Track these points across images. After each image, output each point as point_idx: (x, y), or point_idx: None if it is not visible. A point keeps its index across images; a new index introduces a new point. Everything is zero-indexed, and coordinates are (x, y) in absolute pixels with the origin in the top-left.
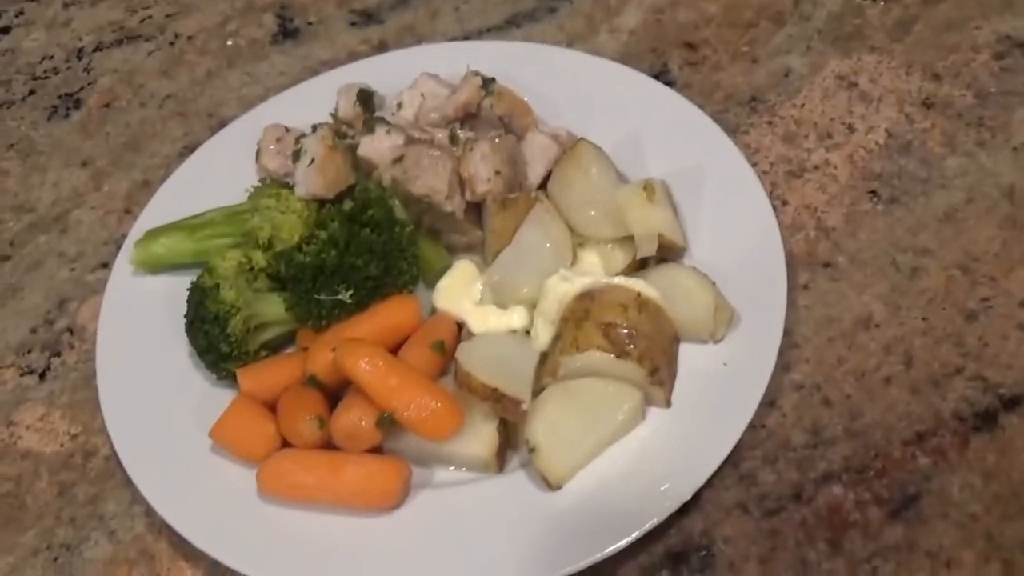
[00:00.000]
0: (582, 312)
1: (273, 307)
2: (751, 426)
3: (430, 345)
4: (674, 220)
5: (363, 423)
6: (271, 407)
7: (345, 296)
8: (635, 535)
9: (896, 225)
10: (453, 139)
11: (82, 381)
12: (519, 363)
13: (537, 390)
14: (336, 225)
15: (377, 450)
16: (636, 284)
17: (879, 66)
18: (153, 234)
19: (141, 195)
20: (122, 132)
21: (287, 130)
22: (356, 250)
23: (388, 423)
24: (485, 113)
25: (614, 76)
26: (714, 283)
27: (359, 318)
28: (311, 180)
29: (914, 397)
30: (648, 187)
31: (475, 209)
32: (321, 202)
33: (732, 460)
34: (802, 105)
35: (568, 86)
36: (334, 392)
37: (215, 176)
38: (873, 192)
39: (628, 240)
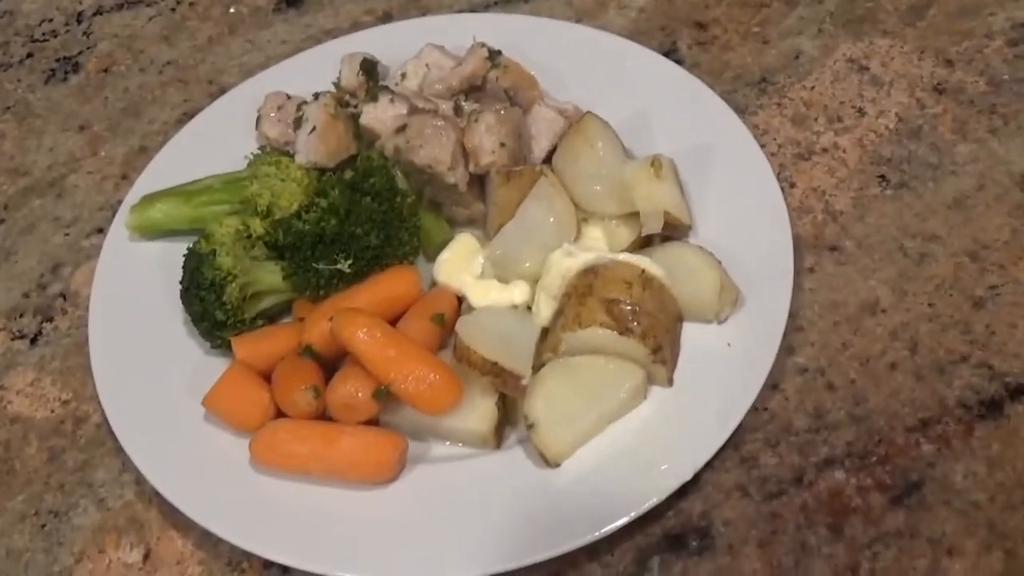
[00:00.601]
0: (585, 288)
1: (270, 275)
2: (753, 408)
3: (430, 317)
4: (680, 198)
5: (359, 394)
6: (266, 377)
7: (344, 266)
8: (633, 515)
9: (905, 210)
10: (457, 110)
11: (74, 347)
12: (520, 338)
13: (537, 366)
14: (336, 193)
15: (373, 423)
16: (641, 261)
17: (891, 50)
18: (150, 199)
19: (138, 161)
20: (120, 97)
21: (288, 97)
22: (356, 219)
23: (385, 395)
24: (490, 85)
25: (623, 52)
26: (720, 262)
27: (357, 288)
28: (312, 148)
29: (919, 384)
30: (656, 163)
31: (478, 182)
32: (321, 171)
33: (733, 442)
34: (812, 87)
35: (575, 61)
36: (330, 363)
37: (214, 143)
38: (882, 176)
39: (633, 217)
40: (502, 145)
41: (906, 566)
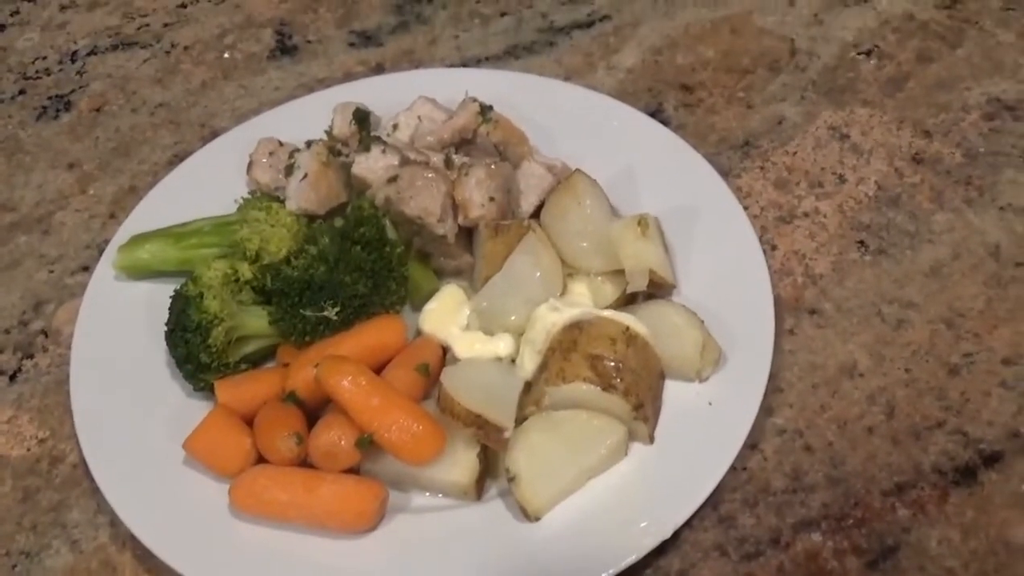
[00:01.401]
0: (570, 343)
1: (256, 320)
2: (732, 468)
3: (414, 367)
4: (665, 257)
5: (342, 442)
6: (248, 421)
7: (331, 313)
8: (612, 572)
9: (883, 276)
10: (448, 163)
11: (54, 385)
12: (504, 390)
13: (520, 419)
14: (327, 241)
15: (354, 471)
16: (625, 318)
17: (871, 119)
18: (138, 240)
19: (127, 200)
20: (111, 137)
21: (281, 144)
22: (345, 267)
23: (368, 444)
24: (481, 140)
25: (611, 111)
26: (702, 321)
27: (343, 336)
28: (303, 195)
29: (895, 448)
30: (642, 222)
31: (466, 234)
32: (311, 218)
33: (712, 501)
34: (794, 153)
35: (565, 118)
36: (313, 410)
37: (204, 185)
38: (861, 243)
39: (618, 274)
40: (491, 199)
41: None
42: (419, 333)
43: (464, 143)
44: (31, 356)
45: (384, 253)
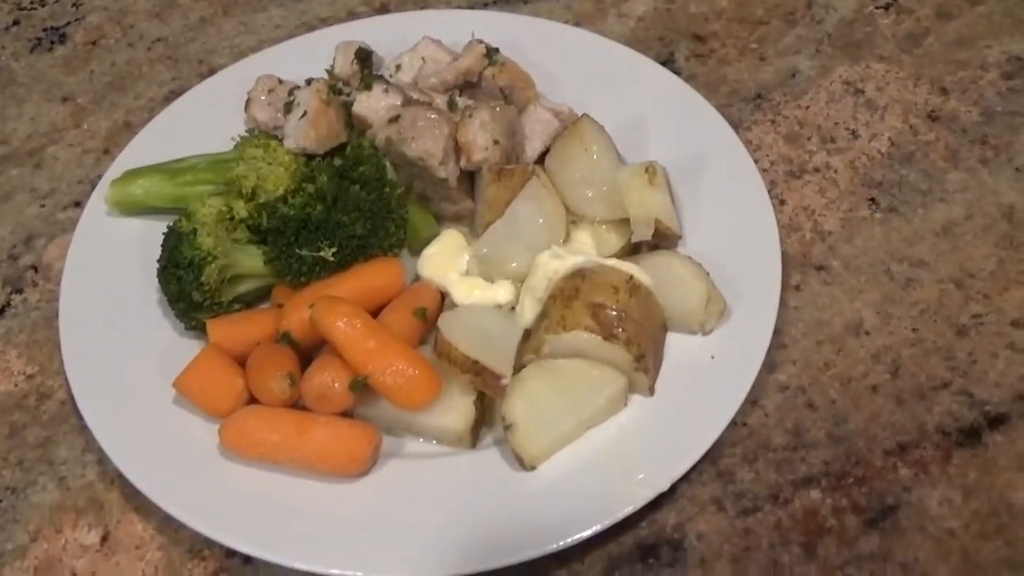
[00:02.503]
0: (572, 291)
1: (251, 259)
2: (732, 423)
3: (412, 311)
4: (671, 207)
5: (336, 385)
6: (239, 362)
7: (327, 253)
8: (606, 523)
9: (893, 234)
10: (451, 105)
11: (43, 321)
12: (502, 337)
13: (519, 367)
14: (325, 179)
15: (347, 415)
16: (629, 267)
17: (887, 75)
18: (132, 175)
19: (122, 136)
20: (107, 71)
21: (280, 82)
22: (343, 207)
23: (362, 387)
24: (486, 83)
25: (620, 59)
26: (708, 274)
27: (340, 277)
28: (302, 133)
29: (899, 407)
30: (649, 170)
31: (468, 178)
32: (309, 157)
33: (711, 455)
34: (807, 107)
35: (573, 64)
36: (307, 352)
37: (201, 122)
38: (872, 200)
39: (623, 223)
40: (495, 142)
41: None
42: (417, 278)
43: (468, 86)
44: (20, 291)
45: (383, 194)
